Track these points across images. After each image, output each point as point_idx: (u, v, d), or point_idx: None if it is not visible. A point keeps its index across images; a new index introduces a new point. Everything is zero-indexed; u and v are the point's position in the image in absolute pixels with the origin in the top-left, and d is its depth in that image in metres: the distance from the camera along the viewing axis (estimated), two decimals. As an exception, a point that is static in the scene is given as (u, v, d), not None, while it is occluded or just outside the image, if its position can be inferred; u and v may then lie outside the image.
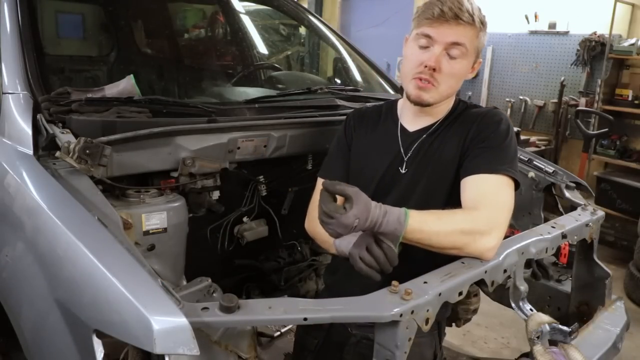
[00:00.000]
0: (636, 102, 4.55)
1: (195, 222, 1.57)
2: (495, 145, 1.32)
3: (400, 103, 1.52)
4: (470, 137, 1.36)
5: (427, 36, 1.31)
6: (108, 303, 0.97)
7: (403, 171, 1.43)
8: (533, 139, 5.00)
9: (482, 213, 1.22)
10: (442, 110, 1.43)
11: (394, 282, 1.06)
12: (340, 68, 2.69)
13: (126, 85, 1.60)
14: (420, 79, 1.33)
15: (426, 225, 1.16)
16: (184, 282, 1.44)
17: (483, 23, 1.34)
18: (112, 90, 1.59)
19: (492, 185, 1.27)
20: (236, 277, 2.00)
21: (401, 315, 1.00)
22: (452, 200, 1.37)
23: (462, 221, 1.21)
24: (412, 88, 1.36)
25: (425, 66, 1.31)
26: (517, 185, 1.33)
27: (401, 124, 1.47)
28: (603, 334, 1.60)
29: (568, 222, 1.56)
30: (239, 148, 1.65)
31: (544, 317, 1.33)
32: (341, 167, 1.52)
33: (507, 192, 1.29)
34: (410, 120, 1.46)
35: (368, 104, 1.66)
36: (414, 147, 1.42)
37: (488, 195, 1.26)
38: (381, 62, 2.72)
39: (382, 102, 1.61)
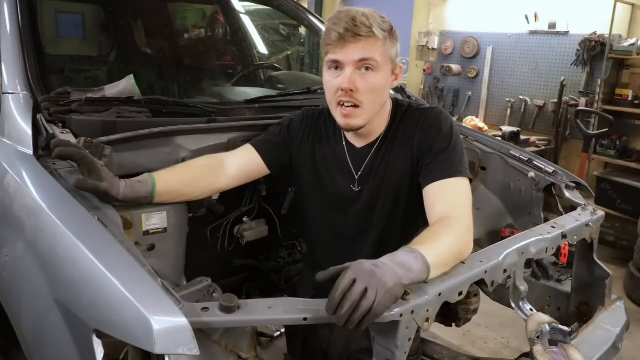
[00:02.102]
0: (636, 102, 4.54)
1: (195, 222, 1.57)
2: (443, 149, 1.35)
3: None
4: (417, 147, 1.39)
5: (335, 61, 1.32)
6: (108, 303, 0.97)
7: (356, 189, 1.46)
8: (533, 139, 4.99)
9: (458, 217, 1.23)
10: (380, 124, 1.44)
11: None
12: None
13: (126, 85, 1.60)
14: (343, 105, 1.34)
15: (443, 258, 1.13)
16: (184, 282, 1.44)
17: (386, 30, 1.32)
18: (112, 90, 1.59)
19: (453, 188, 1.31)
20: (236, 277, 2.00)
21: (401, 315, 1.00)
22: (411, 210, 1.41)
23: (454, 239, 1.19)
24: (339, 117, 1.37)
25: (342, 89, 1.31)
26: (470, 180, 1.36)
27: (347, 140, 1.48)
28: (603, 334, 1.60)
29: (568, 222, 1.56)
30: (239, 148, 1.65)
31: (544, 317, 1.33)
32: (275, 151, 1.52)
33: (466, 190, 1.33)
34: (352, 136, 1.47)
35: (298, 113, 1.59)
36: (364, 165, 1.45)
37: (453, 199, 1.29)
38: (381, 62, 2.69)
39: (310, 111, 1.57)
